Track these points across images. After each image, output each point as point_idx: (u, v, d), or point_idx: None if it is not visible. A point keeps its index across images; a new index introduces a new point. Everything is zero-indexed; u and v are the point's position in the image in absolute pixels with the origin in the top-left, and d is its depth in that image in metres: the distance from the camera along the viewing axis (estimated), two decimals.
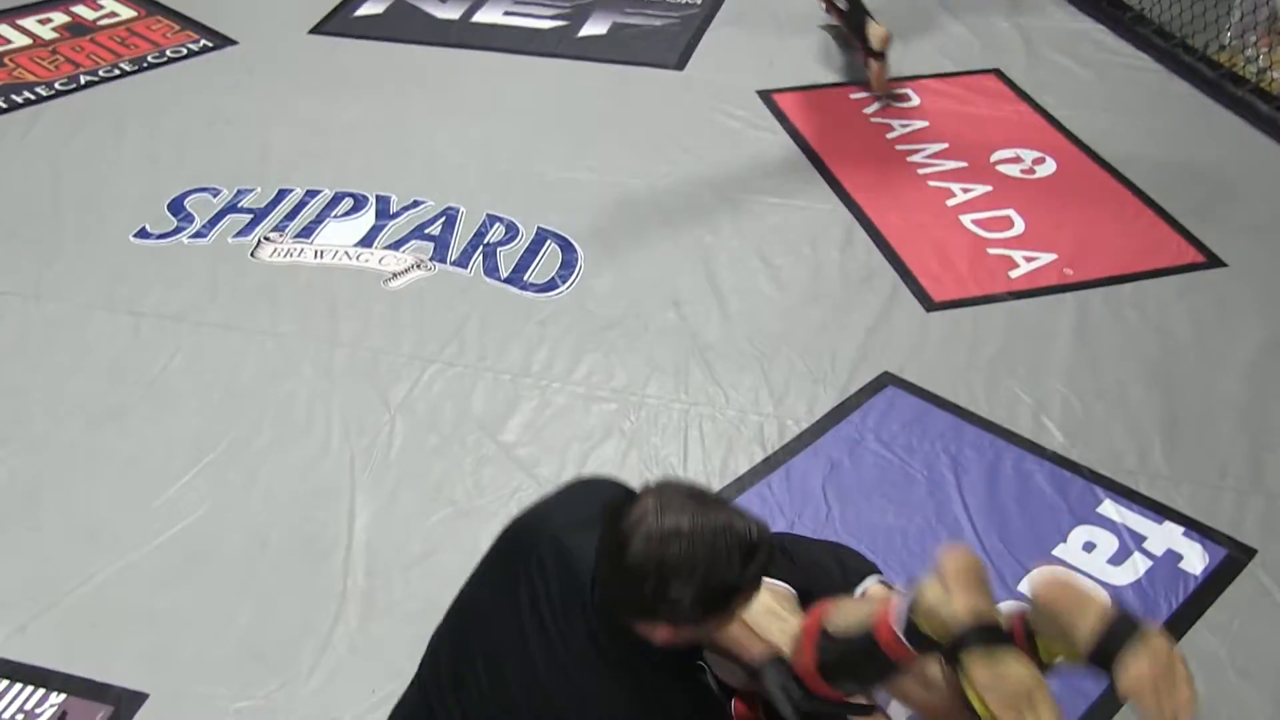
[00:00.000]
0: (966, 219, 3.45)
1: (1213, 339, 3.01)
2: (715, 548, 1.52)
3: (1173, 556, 2.42)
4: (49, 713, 2.13)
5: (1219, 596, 2.34)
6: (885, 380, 2.87)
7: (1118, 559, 2.41)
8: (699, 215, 3.48)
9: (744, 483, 2.59)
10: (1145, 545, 2.44)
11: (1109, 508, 2.53)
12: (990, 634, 1.56)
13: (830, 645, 1.72)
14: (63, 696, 2.15)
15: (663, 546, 1.51)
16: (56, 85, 4.13)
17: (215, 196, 3.55)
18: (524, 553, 1.73)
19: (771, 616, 1.93)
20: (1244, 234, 3.38)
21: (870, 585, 2.04)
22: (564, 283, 3.21)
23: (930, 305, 3.12)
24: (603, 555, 1.59)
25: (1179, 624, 2.28)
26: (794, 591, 2.04)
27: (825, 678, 1.73)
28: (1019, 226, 3.42)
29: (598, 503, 1.70)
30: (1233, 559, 2.41)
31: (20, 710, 2.13)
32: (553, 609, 1.66)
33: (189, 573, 2.40)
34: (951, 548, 1.69)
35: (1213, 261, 3.28)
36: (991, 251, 3.32)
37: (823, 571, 2.09)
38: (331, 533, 2.48)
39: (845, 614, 1.77)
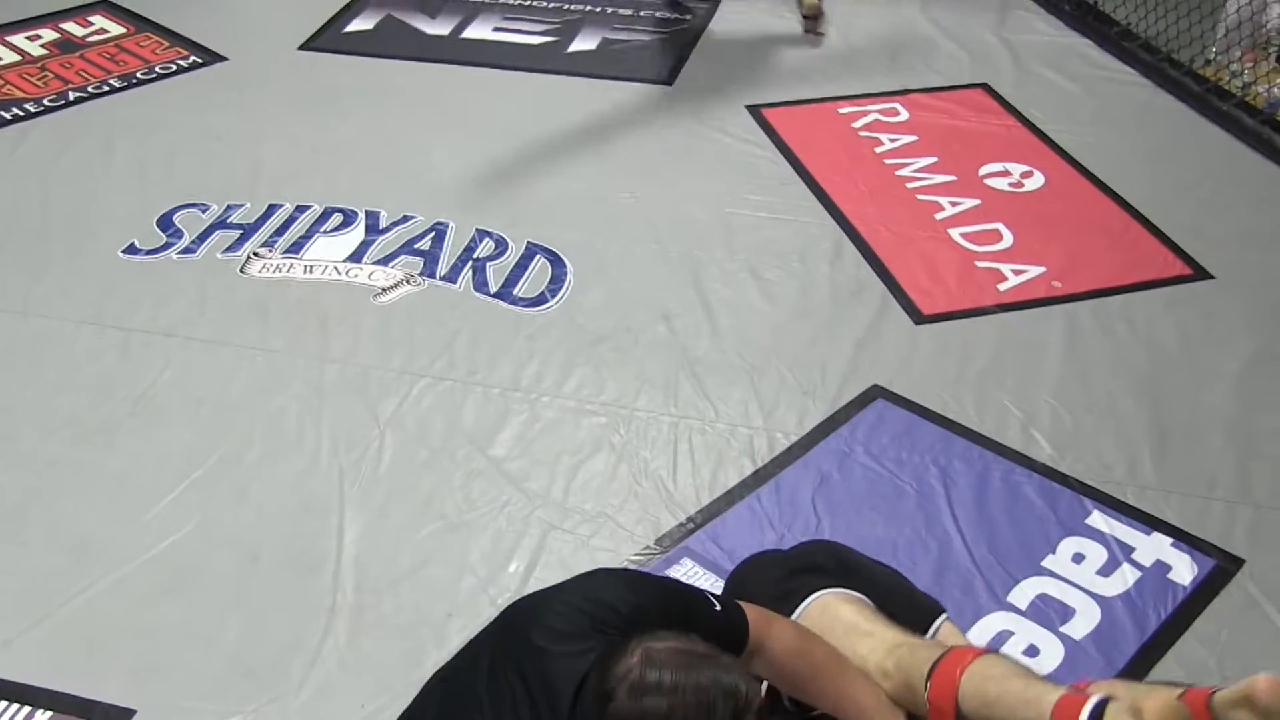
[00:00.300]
0: (955, 232, 3.46)
1: (1201, 351, 3.02)
2: (701, 706, 1.50)
3: (1161, 567, 2.42)
4: None
5: (1207, 607, 2.34)
6: (875, 393, 2.87)
7: (1106, 570, 2.41)
8: (688, 229, 3.49)
9: (734, 496, 2.59)
10: (1134, 556, 2.44)
11: (1098, 519, 2.53)
12: None
13: None
14: (48, 715, 2.13)
15: (644, 702, 1.50)
16: (45, 101, 4.13)
17: (204, 212, 3.55)
18: (513, 645, 1.71)
19: (857, 634, 1.94)
20: (1231, 246, 3.39)
21: (942, 624, 2.09)
22: (553, 297, 3.21)
23: (919, 318, 3.13)
24: (589, 708, 1.56)
25: (1168, 634, 2.28)
26: (869, 601, 2.05)
27: None
28: (1007, 240, 3.43)
29: (594, 609, 1.68)
30: (1221, 569, 2.41)
31: None
32: (530, 711, 1.64)
33: (178, 588, 2.39)
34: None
35: (1200, 274, 3.29)
36: (980, 265, 3.33)
37: (889, 596, 2.10)
38: (321, 547, 2.48)
39: (985, 696, 1.76)
